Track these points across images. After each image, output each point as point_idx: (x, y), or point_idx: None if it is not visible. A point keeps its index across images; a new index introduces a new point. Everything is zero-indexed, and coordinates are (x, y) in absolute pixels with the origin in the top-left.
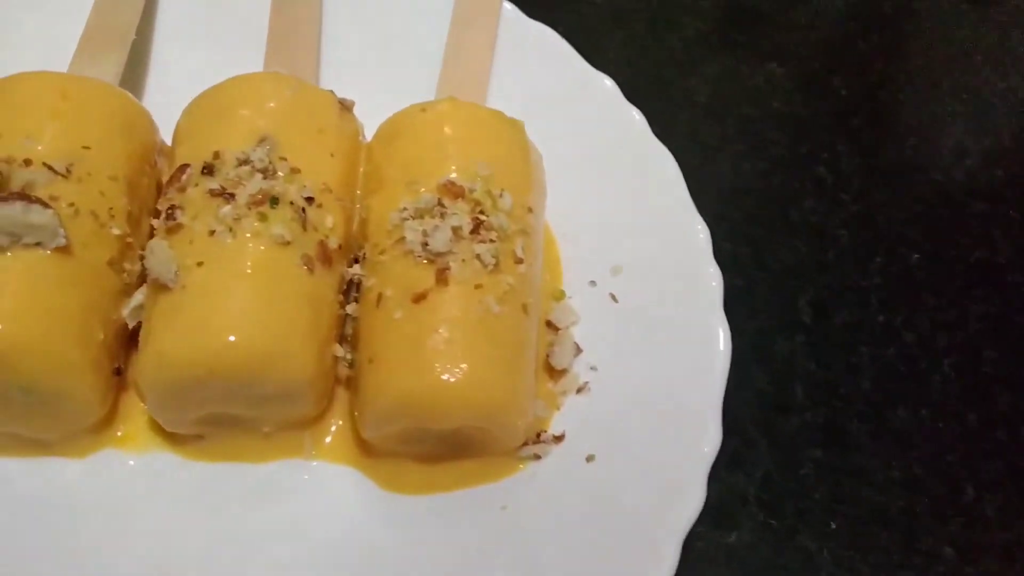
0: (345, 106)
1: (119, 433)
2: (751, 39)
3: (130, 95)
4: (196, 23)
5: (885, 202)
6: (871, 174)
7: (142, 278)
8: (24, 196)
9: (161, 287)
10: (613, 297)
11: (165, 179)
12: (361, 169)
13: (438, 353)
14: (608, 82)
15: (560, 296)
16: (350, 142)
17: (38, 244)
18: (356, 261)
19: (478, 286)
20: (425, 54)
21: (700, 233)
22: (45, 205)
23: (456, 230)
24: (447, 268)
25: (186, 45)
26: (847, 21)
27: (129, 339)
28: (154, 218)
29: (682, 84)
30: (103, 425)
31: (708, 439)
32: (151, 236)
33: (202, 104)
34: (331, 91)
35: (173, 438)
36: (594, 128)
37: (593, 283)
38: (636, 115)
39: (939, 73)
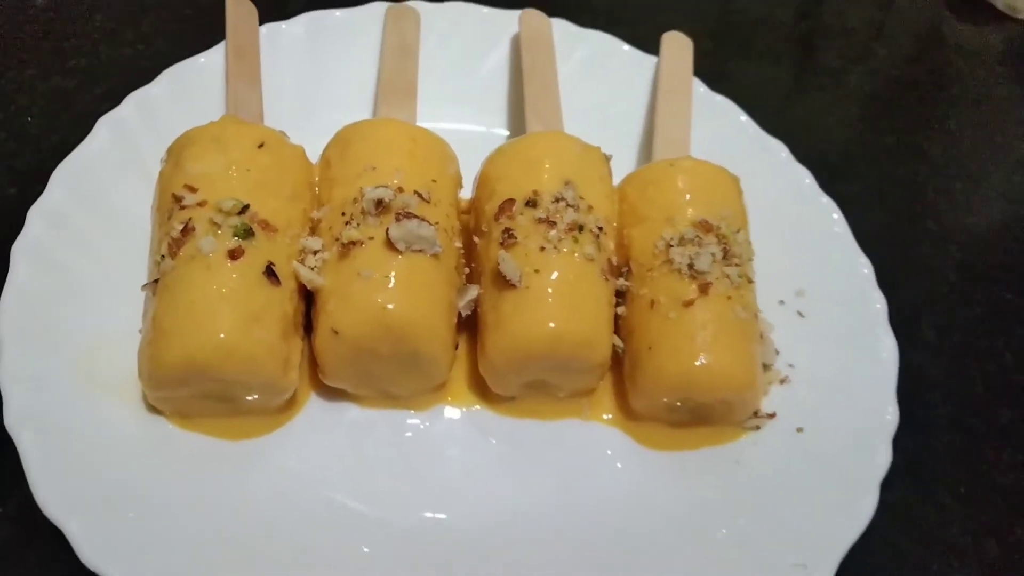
0: (606, 158)
1: (449, 397)
2: None
3: (446, 141)
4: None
5: None
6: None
7: (469, 278)
8: (415, 216)
9: (508, 286)
10: (800, 314)
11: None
12: (616, 207)
13: (708, 344)
14: (776, 142)
15: (758, 311)
16: (611, 186)
17: (420, 251)
18: (620, 275)
19: (729, 297)
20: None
21: (864, 267)
22: (429, 223)
23: (713, 255)
24: (709, 283)
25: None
26: None
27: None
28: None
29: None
30: (441, 387)
31: (889, 412)
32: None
33: (508, 154)
34: (599, 147)
35: (488, 397)
36: (771, 181)
37: (782, 302)
38: (804, 171)
39: None
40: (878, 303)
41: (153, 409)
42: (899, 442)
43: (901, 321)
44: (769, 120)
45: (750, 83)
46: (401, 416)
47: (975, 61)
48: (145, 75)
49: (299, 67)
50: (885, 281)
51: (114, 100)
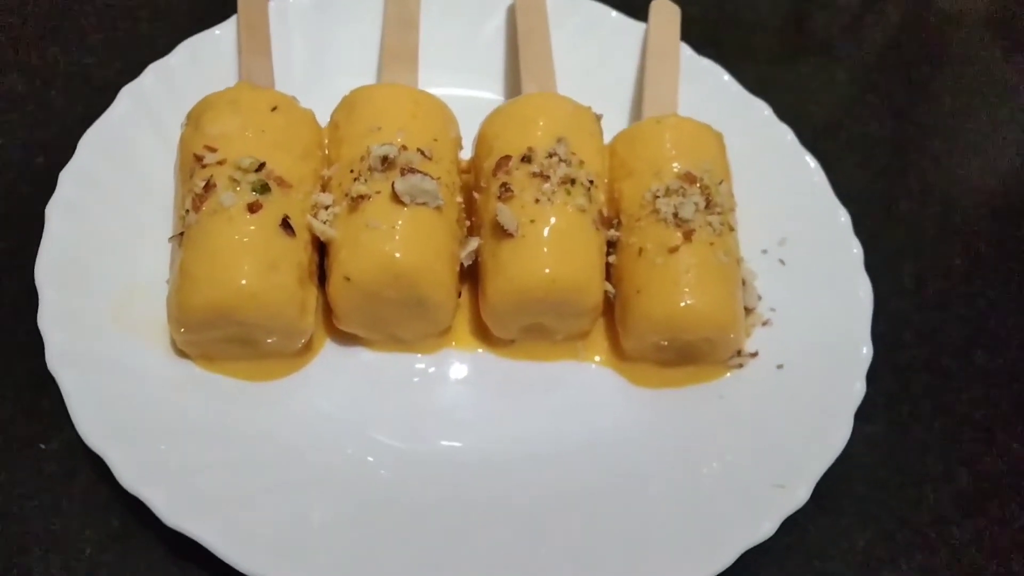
0: (597, 117)
1: (453, 342)
2: None
3: (446, 103)
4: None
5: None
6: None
7: (470, 231)
8: (419, 171)
9: (505, 235)
10: (781, 262)
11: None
12: (607, 162)
13: (691, 286)
14: (759, 101)
15: (740, 258)
16: (602, 143)
17: (424, 204)
18: (611, 227)
19: (711, 244)
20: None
21: (842, 216)
22: (432, 177)
23: (696, 205)
24: (692, 231)
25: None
26: None
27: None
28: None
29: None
30: (446, 332)
31: (865, 349)
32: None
33: (505, 114)
34: (590, 107)
35: (491, 341)
36: (755, 138)
37: (765, 252)
38: (787, 130)
39: None
40: (855, 248)
41: (181, 353)
42: (878, 381)
43: (881, 271)
44: (755, 84)
45: (738, 50)
46: (410, 359)
47: (959, 24)
48: (161, 50)
49: (307, 37)
50: (866, 234)
51: (132, 74)
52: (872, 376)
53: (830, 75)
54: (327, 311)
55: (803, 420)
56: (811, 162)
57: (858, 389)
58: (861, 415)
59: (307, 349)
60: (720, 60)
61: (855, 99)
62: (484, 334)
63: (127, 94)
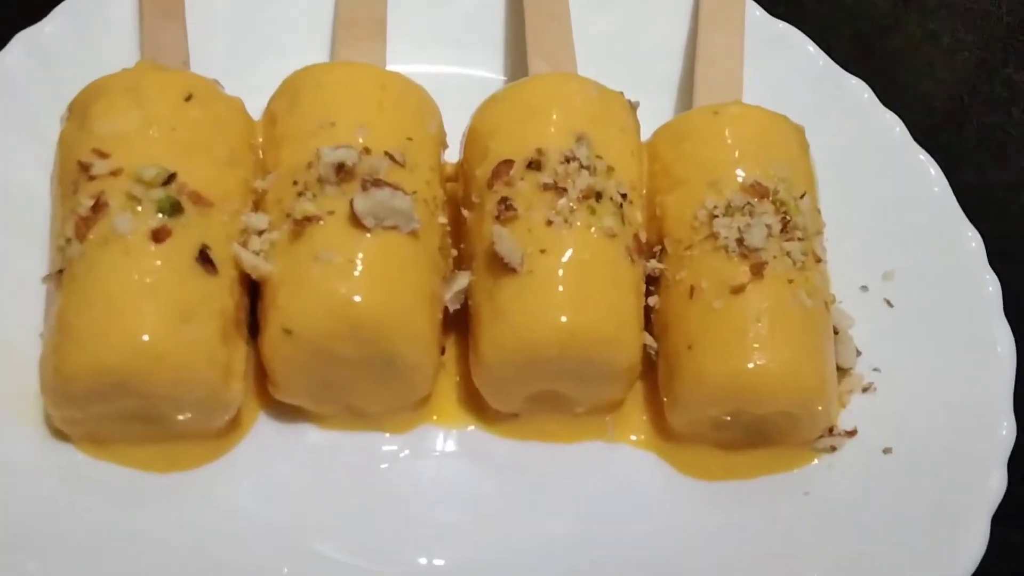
0: (632, 106)
1: (435, 416)
2: None
3: (424, 88)
4: None
5: None
6: None
7: (457, 263)
8: (387, 183)
9: (506, 271)
10: (888, 302)
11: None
12: (644, 168)
13: (762, 340)
14: (857, 82)
15: (831, 299)
16: (638, 142)
17: (394, 227)
18: (651, 256)
19: (790, 281)
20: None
21: (972, 241)
22: (405, 192)
23: (768, 227)
24: (764, 263)
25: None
26: None
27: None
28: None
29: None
30: (423, 402)
31: (1005, 426)
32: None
33: (504, 102)
34: (621, 92)
35: (486, 415)
36: (849, 132)
37: (865, 288)
38: (893, 119)
39: None
40: (990, 286)
41: (59, 433)
42: (1019, 465)
43: (1020, 310)
44: (849, 57)
45: (826, 10)
46: (374, 440)
47: None
48: (33, 15)
49: None
50: (998, 258)
51: None
52: (1016, 463)
53: (953, 41)
54: (260, 375)
55: (920, 525)
56: (928, 164)
57: (996, 482)
58: (1001, 517)
59: (233, 428)
60: (801, 24)
61: (987, 75)
62: (476, 405)
63: None
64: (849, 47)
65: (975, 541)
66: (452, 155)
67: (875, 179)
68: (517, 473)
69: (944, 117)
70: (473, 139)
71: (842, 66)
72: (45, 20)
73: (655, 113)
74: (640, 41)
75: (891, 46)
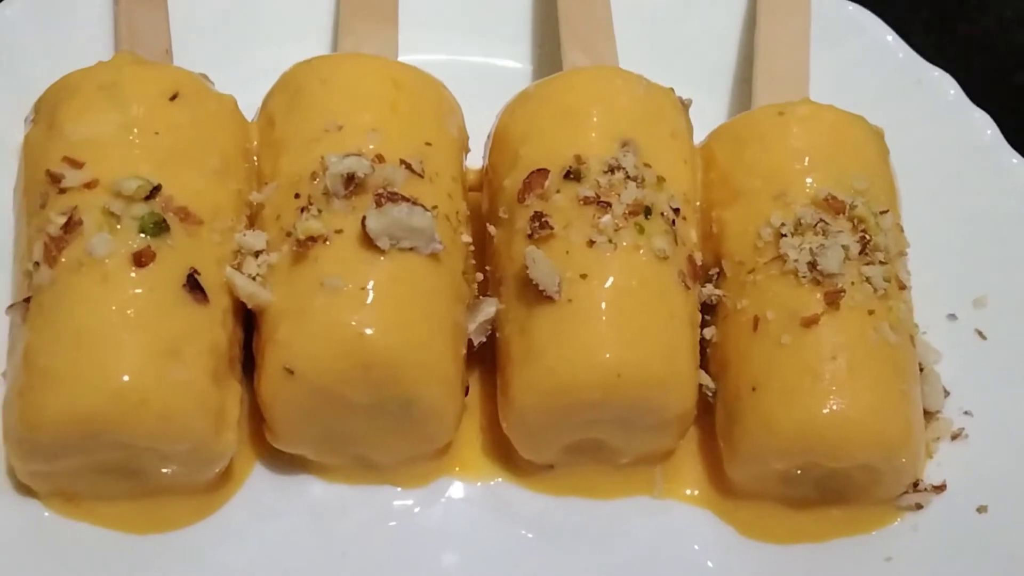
0: (684, 105)
1: (456, 467)
2: None
3: (442, 83)
4: None
5: None
6: None
7: (482, 288)
8: (403, 197)
9: (541, 299)
10: (980, 334)
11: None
12: (699, 178)
13: (839, 382)
14: (941, 75)
15: (915, 331)
16: (692, 147)
17: (412, 249)
18: (708, 281)
19: (871, 312)
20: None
21: None
22: (425, 208)
23: (845, 249)
24: (840, 291)
25: None
26: None
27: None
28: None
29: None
30: (443, 451)
31: None
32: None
33: (537, 101)
34: (671, 88)
35: (515, 467)
36: (932, 133)
37: (953, 316)
38: (983, 119)
39: None
40: None
41: (23, 488)
42: None
43: None
44: (932, 45)
45: None
46: (386, 494)
47: None
48: None
49: None
50: None
51: None
52: None
53: None
54: (256, 420)
55: None
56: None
57: None
58: None
59: (223, 481)
60: (876, 7)
61: None
62: (505, 455)
63: None
64: (929, 32)
65: None
66: (474, 159)
67: (963, 189)
68: (551, 533)
69: None
70: (500, 144)
71: (922, 55)
72: (3, 3)
73: (708, 112)
74: (690, 28)
75: (979, 30)
